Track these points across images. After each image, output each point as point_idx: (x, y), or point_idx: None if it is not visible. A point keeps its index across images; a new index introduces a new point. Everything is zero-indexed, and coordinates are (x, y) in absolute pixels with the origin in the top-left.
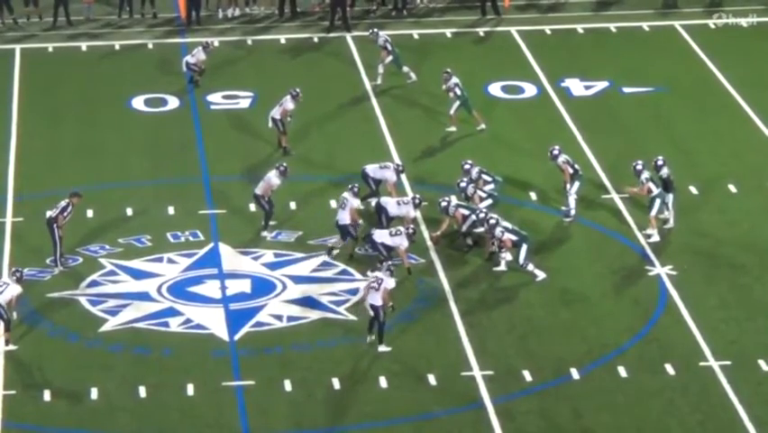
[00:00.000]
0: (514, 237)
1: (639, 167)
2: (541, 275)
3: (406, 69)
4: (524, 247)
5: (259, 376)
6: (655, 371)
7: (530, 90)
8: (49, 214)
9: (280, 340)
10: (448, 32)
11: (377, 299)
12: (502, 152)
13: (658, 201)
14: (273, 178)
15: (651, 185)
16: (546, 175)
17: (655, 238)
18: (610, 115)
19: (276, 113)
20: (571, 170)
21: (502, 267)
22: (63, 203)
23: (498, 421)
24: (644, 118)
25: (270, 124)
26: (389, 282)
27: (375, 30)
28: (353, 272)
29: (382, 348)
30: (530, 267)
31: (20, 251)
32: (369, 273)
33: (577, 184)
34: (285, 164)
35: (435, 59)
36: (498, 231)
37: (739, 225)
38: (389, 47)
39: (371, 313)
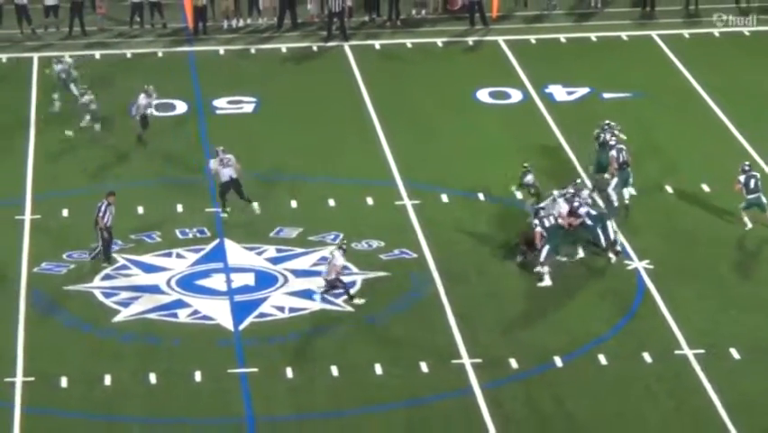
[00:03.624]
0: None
1: (746, 167)
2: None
3: (76, 92)
4: (609, 223)
5: (262, 364)
6: (633, 359)
7: (516, 96)
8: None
9: (282, 330)
10: (439, 41)
11: (331, 274)
12: (490, 153)
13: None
14: (338, 258)
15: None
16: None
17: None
18: (591, 119)
19: (133, 110)
20: (616, 165)
21: (546, 282)
22: (99, 204)
23: (486, 406)
24: (623, 122)
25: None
26: (338, 258)
27: (55, 59)
28: (351, 266)
29: (357, 301)
30: (617, 243)
31: (38, 246)
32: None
33: (616, 180)
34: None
35: (427, 67)
36: (583, 211)
37: (712, 222)
38: (65, 75)
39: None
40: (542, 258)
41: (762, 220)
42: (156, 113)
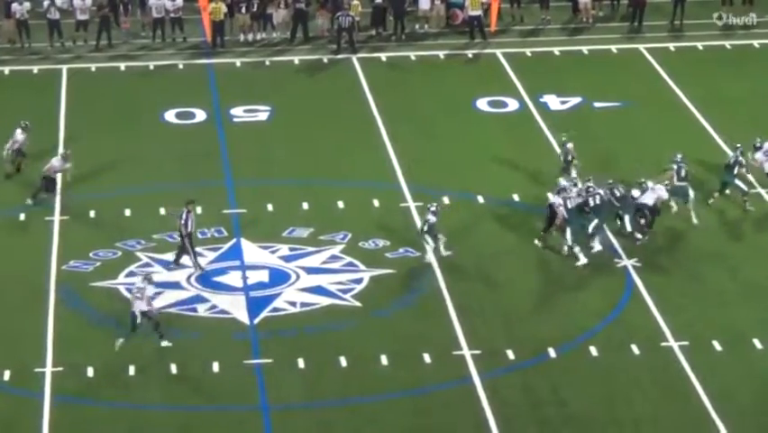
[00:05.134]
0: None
1: (677, 158)
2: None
3: None
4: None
5: (275, 355)
6: (622, 350)
7: (513, 105)
8: (178, 226)
9: (294, 324)
10: (441, 53)
11: (143, 306)
12: (489, 159)
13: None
14: (149, 289)
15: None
16: (527, 178)
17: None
18: (583, 127)
19: (10, 145)
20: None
21: (582, 260)
22: (180, 212)
23: (485, 395)
24: (613, 129)
25: (12, 153)
26: (149, 290)
27: None
28: (359, 264)
29: (165, 343)
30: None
31: (66, 245)
32: (134, 286)
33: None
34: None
35: (430, 78)
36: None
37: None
38: None
39: (140, 319)
40: (568, 240)
41: (684, 213)
42: (176, 120)
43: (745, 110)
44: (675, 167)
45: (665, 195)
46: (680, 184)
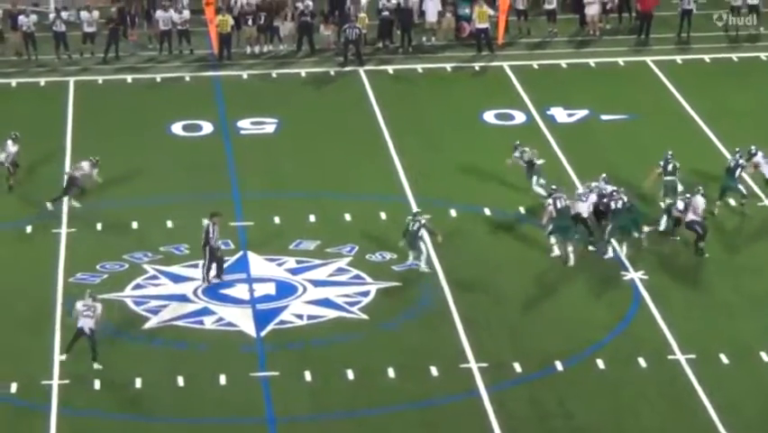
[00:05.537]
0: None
1: (668, 156)
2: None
3: None
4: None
5: (282, 368)
6: (629, 363)
7: (520, 117)
8: (203, 239)
9: (301, 336)
10: (448, 66)
11: (92, 324)
12: (496, 171)
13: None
14: (98, 308)
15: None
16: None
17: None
18: (590, 139)
19: (5, 158)
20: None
21: (555, 252)
22: (206, 225)
23: (492, 408)
24: (620, 142)
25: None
26: (98, 308)
27: None
28: (365, 277)
29: (97, 366)
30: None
31: (73, 257)
32: (81, 303)
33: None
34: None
35: (437, 90)
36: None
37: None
38: None
39: (88, 334)
40: (546, 231)
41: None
42: (183, 132)
43: (751, 122)
44: (662, 162)
45: (704, 204)
46: (668, 179)
